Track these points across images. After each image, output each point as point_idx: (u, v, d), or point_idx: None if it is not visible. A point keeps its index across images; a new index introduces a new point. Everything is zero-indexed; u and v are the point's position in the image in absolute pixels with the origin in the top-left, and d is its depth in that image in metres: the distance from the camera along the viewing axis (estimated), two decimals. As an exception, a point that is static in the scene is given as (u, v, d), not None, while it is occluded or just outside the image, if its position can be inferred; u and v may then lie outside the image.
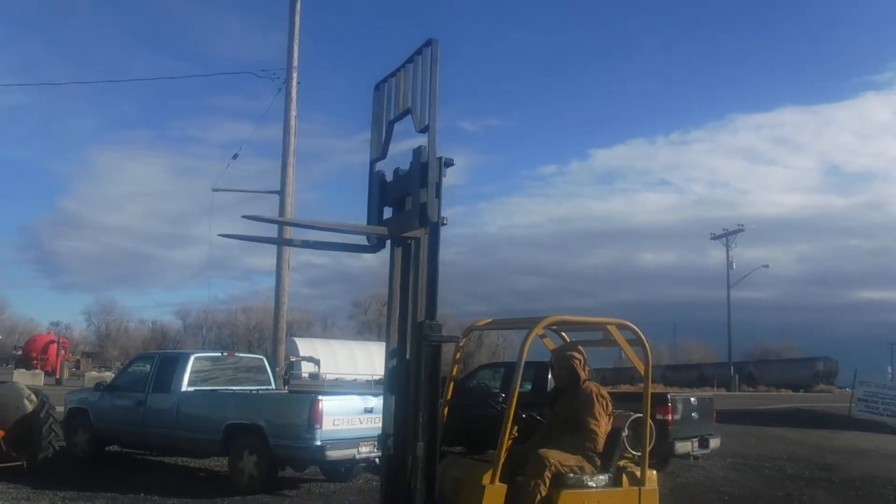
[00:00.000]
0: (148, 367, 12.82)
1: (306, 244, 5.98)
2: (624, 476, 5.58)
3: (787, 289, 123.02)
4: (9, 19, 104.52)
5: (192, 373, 11.95)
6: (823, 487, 12.21)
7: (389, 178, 5.51)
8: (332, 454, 10.20)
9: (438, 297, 5.02)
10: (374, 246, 5.46)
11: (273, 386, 13.54)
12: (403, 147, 5.48)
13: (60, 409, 12.84)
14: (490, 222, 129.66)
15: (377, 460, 9.50)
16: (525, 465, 5.36)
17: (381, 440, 5.30)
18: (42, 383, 31.77)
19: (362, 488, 10.90)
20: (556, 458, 5.32)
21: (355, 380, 36.35)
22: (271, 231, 7.58)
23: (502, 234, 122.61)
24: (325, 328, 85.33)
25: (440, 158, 5.08)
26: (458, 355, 6.50)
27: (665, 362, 73.24)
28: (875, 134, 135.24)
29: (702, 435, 13.38)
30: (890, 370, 49.75)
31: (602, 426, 5.54)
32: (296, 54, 20.33)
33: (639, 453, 5.66)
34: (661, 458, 12.02)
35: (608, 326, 5.77)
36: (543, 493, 5.21)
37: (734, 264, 62.23)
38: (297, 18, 20.26)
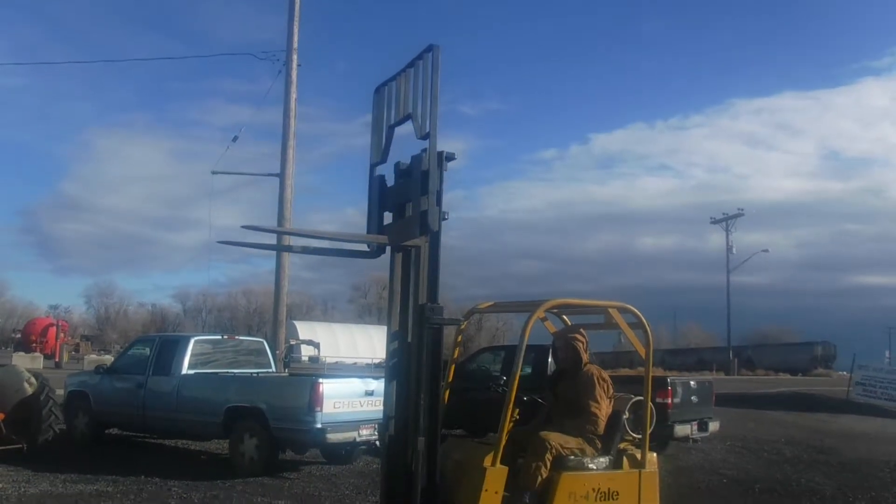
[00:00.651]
0: (148, 350, 12.82)
1: (306, 251, 5.95)
2: (624, 458, 5.59)
3: (786, 273, 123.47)
4: (7, 2, 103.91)
5: (192, 355, 11.96)
6: (821, 470, 12.27)
7: (390, 180, 5.45)
8: (333, 437, 10.23)
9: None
10: (374, 252, 5.44)
11: (273, 369, 13.56)
12: (404, 150, 5.41)
13: (60, 392, 12.86)
14: (490, 206, 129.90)
15: (377, 443, 9.53)
16: (526, 447, 5.36)
17: (382, 423, 5.30)
18: (41, 366, 31.77)
19: (363, 471, 10.93)
20: (557, 440, 5.32)
21: (355, 363, 36.43)
22: (270, 237, 7.52)
23: (502, 219, 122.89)
24: (325, 311, 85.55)
25: (441, 153, 5.03)
26: (459, 338, 6.50)
27: (664, 346, 73.27)
28: (874, 119, 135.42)
29: (701, 418, 13.42)
30: (888, 354, 49.86)
31: (603, 409, 5.54)
32: (296, 36, 20.24)
33: (639, 436, 5.66)
34: (661, 441, 12.06)
35: (609, 309, 5.76)
36: (544, 475, 5.22)
37: (734, 249, 62.28)
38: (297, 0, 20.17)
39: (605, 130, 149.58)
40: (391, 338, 5.24)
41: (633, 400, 5.75)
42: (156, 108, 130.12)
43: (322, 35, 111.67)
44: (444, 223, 5.05)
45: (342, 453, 11.39)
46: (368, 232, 5.41)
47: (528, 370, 13.19)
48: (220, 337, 14.44)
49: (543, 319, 6.00)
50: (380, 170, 5.51)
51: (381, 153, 5.50)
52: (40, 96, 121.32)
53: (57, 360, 40.29)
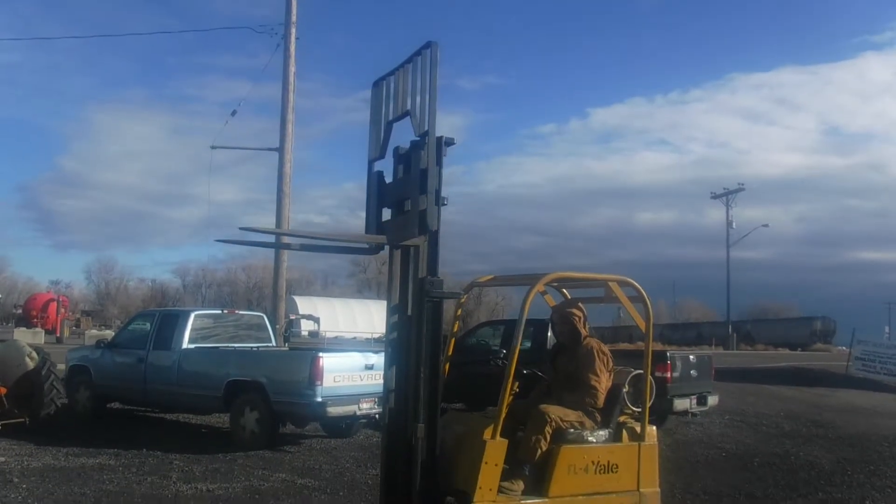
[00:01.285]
0: (148, 324, 12.85)
1: (305, 248, 5.93)
2: (624, 432, 5.61)
3: (786, 248, 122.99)
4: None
5: (192, 330, 11.98)
6: (820, 444, 12.33)
7: (388, 176, 5.41)
8: (333, 410, 10.28)
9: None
10: (373, 249, 5.42)
11: (273, 343, 13.59)
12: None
13: (61, 366, 12.89)
14: (489, 181, 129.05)
15: (377, 416, 9.57)
16: (526, 420, 5.38)
17: (383, 396, 5.31)
18: (43, 342, 31.85)
19: (363, 444, 10.99)
20: (557, 413, 5.34)
21: (355, 338, 36.47)
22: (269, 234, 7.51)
23: (501, 193, 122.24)
24: (324, 287, 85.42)
25: (440, 138, 4.98)
26: (458, 312, 6.50)
27: (664, 321, 73.43)
28: (875, 94, 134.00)
29: (700, 392, 13.47)
30: (887, 329, 49.81)
31: (602, 382, 5.55)
32: (294, 9, 20.08)
33: (639, 409, 5.68)
34: (660, 415, 12.11)
35: (609, 283, 5.75)
36: (544, 448, 5.24)
37: (734, 224, 62.19)
38: (295, -28, 19.99)
39: (603, 105, 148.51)
40: (391, 311, 5.23)
41: (633, 373, 5.76)
42: (153, 83, 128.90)
43: (320, 10, 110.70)
44: (441, 199, 5.01)
45: (342, 427, 11.44)
46: (367, 228, 5.39)
47: (528, 344, 13.21)
48: (220, 311, 14.45)
49: (543, 293, 6.00)
50: (378, 165, 5.47)
51: (379, 149, 5.45)
52: (38, 72, 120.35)
53: (58, 335, 40.38)
